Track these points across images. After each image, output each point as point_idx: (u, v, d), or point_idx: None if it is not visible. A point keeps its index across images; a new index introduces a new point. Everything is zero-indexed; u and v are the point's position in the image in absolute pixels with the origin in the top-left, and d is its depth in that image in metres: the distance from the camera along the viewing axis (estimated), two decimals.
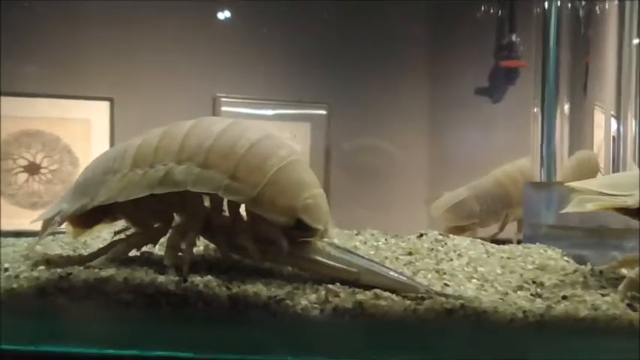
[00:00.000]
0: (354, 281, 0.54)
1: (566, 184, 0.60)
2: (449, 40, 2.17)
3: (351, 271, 0.55)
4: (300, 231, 0.56)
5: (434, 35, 2.17)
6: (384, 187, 2.10)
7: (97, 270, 0.54)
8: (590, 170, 0.88)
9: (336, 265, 0.55)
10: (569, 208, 0.57)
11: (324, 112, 2.10)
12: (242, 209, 0.59)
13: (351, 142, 2.12)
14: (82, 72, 1.93)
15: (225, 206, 0.60)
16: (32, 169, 1.86)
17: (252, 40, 2.07)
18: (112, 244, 0.60)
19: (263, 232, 0.56)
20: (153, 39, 1.96)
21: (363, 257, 0.58)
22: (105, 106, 1.92)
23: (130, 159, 0.58)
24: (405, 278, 0.55)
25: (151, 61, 1.97)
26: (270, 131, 0.59)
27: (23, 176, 1.85)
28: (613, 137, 0.93)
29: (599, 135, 0.93)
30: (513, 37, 1.78)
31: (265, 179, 0.54)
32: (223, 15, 2.07)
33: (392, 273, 0.55)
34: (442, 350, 0.51)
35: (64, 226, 0.65)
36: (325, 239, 0.57)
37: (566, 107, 0.91)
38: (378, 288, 0.52)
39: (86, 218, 0.64)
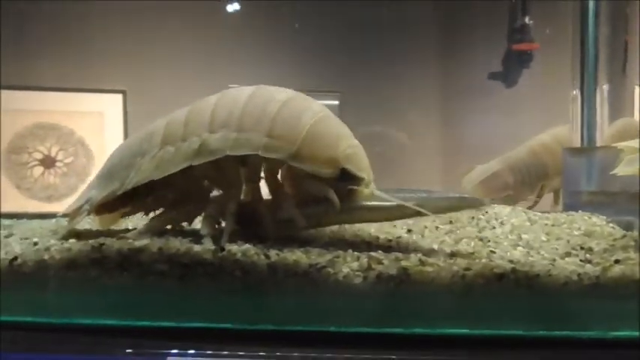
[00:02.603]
0: (412, 215, 0.54)
1: (614, 144, 0.57)
2: (461, 26, 2.14)
3: (409, 206, 0.52)
4: (345, 181, 0.54)
5: (446, 21, 2.15)
6: (397, 175, 2.07)
7: (130, 240, 0.52)
8: (632, 137, 0.85)
9: (393, 204, 0.53)
10: (620, 170, 0.54)
11: (336, 102, 2.08)
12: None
13: (363, 131, 2.10)
14: (94, 65, 1.93)
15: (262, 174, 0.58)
16: (47, 162, 1.85)
17: (264, 31, 2.06)
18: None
19: (309, 191, 0.55)
20: (164, 31, 1.96)
21: (411, 190, 0.56)
22: (118, 98, 1.92)
23: (159, 138, 0.57)
24: (460, 196, 0.54)
25: (162, 53, 1.96)
26: (296, 92, 0.58)
27: (39, 169, 1.85)
28: None
29: None
30: (526, 20, 1.75)
31: (303, 133, 0.53)
32: (234, 6, 2.06)
33: (446, 196, 0.54)
34: (494, 318, 0.49)
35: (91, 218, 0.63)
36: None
37: (605, 88, 0.89)
38: (440, 213, 0.53)
39: (112, 208, 0.62)
